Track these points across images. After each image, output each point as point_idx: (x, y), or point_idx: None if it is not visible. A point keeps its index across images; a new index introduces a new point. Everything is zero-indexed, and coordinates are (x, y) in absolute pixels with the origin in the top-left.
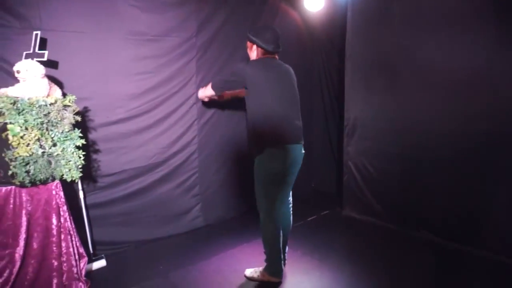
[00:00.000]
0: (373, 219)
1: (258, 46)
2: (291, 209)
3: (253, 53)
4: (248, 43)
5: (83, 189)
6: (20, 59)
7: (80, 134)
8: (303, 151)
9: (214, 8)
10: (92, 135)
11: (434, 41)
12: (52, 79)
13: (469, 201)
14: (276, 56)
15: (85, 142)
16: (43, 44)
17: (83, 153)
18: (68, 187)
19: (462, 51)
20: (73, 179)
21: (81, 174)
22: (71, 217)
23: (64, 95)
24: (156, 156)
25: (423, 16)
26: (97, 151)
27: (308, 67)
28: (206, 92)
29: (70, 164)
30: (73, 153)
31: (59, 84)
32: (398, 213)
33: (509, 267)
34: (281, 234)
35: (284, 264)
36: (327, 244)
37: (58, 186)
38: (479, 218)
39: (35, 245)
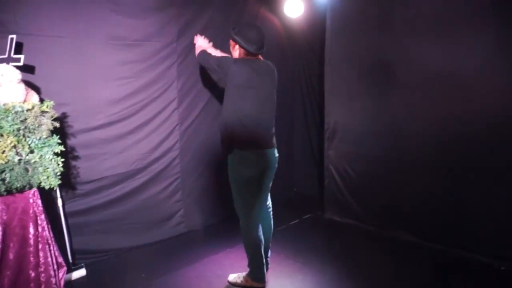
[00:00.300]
0: (355, 221)
1: (240, 46)
2: (271, 213)
3: (236, 52)
4: (231, 42)
5: (61, 197)
6: None
7: (59, 141)
8: (277, 155)
9: (194, 14)
10: (71, 141)
11: (412, 44)
12: (29, 84)
13: (448, 203)
14: (260, 57)
15: (64, 149)
16: (19, 49)
17: (62, 159)
18: (46, 195)
19: (440, 52)
20: (52, 186)
21: (59, 182)
22: (49, 226)
23: (41, 100)
24: (137, 162)
25: (401, 20)
26: (76, 158)
27: (288, 72)
28: (196, 51)
29: (48, 172)
30: (51, 160)
31: (37, 90)
32: (379, 216)
33: (487, 265)
34: (262, 238)
35: (267, 269)
36: (310, 247)
37: (36, 194)
38: (458, 218)
39: (11, 256)
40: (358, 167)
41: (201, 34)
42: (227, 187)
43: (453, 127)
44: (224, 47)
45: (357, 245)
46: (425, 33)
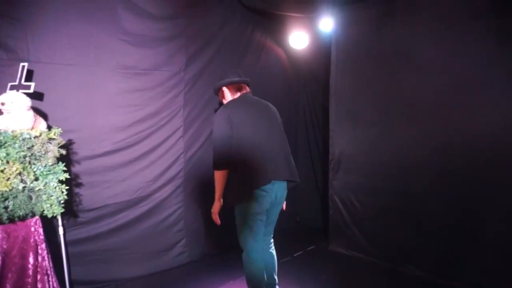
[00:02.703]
0: (360, 254)
1: (225, 85)
2: (273, 248)
3: (226, 94)
4: (219, 93)
5: (63, 225)
6: (5, 91)
7: (64, 168)
8: (286, 190)
9: (203, 44)
10: (75, 168)
11: (416, 76)
12: (37, 111)
13: (457, 237)
14: (248, 88)
15: (68, 176)
16: (29, 76)
17: (66, 187)
18: (47, 222)
19: (446, 82)
20: (54, 215)
21: (62, 210)
22: (49, 256)
23: (49, 127)
24: (141, 190)
25: (404, 53)
26: (79, 185)
27: (293, 103)
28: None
29: (52, 199)
30: (55, 187)
31: (44, 116)
32: (386, 249)
33: None
34: (264, 273)
35: None
36: (315, 280)
37: (38, 222)
38: (466, 253)
39: (8, 287)
40: (364, 198)
41: (208, 65)
42: (231, 216)
43: (462, 156)
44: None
45: (364, 279)
46: (429, 65)
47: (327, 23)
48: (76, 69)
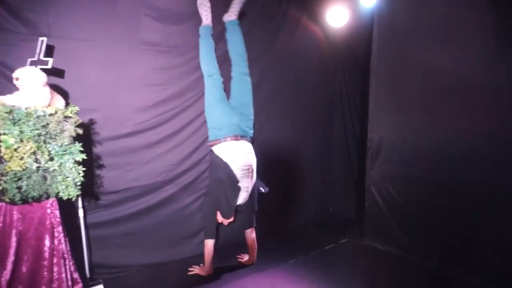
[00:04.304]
0: (398, 251)
1: None
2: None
3: None
4: None
5: (83, 207)
6: (25, 66)
7: (81, 148)
8: None
9: None
10: (97, 149)
11: (469, 58)
12: (57, 89)
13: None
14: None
15: (86, 157)
16: (49, 52)
17: (83, 168)
18: (67, 204)
19: (502, 65)
20: (70, 197)
21: (79, 192)
22: (66, 239)
23: (67, 105)
24: (164, 174)
25: (459, 29)
26: (101, 167)
27: (329, 85)
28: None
29: (68, 181)
30: (71, 168)
31: (65, 94)
32: (427, 246)
33: None
34: None
35: None
36: (346, 277)
37: (54, 204)
38: None
39: (24, 269)
40: (405, 190)
41: None
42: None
43: None
44: (259, 59)
45: (402, 279)
46: (486, 45)
47: None
48: (98, 45)
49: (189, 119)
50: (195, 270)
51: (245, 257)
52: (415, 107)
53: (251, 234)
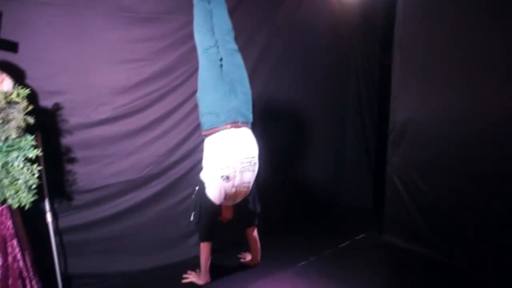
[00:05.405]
0: (424, 249)
1: None
2: None
3: None
4: None
5: (52, 210)
6: None
7: (34, 142)
8: None
9: None
10: (66, 140)
11: None
12: (8, 67)
13: None
14: None
15: (41, 153)
16: None
17: (39, 167)
18: (33, 208)
19: None
20: (23, 204)
21: (34, 198)
22: (27, 252)
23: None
24: (151, 167)
25: None
26: (72, 161)
27: (343, 61)
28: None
29: (18, 185)
30: (22, 168)
31: (19, 74)
32: (458, 245)
33: None
34: None
35: None
36: (366, 280)
37: (4, 213)
38: None
39: None
40: (434, 180)
41: (236, 8)
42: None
43: None
44: (259, 30)
45: (426, 280)
46: None
47: None
48: (61, 11)
49: (179, 100)
50: (191, 277)
51: (248, 257)
52: (448, 83)
53: (252, 233)
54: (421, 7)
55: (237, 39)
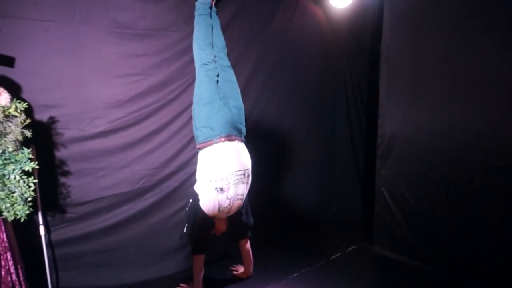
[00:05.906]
0: (413, 261)
1: None
2: None
3: None
4: None
5: (45, 223)
6: None
7: (31, 156)
8: None
9: None
10: (60, 153)
11: (498, 43)
12: (4, 81)
13: None
14: None
15: (37, 166)
16: None
17: (35, 180)
18: (26, 221)
19: None
20: (18, 217)
21: (29, 211)
22: (19, 266)
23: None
24: (145, 179)
25: (478, 14)
26: (66, 173)
27: (331, 74)
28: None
29: (14, 197)
30: (18, 181)
31: (16, 88)
32: (447, 257)
33: None
34: None
35: None
36: None
37: None
38: None
39: None
40: (421, 193)
41: (229, 24)
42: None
43: None
44: (254, 42)
45: None
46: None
47: None
48: (57, 27)
49: (173, 114)
50: None
51: (240, 269)
52: (435, 97)
53: (245, 245)
54: (407, 24)
55: (229, 55)
